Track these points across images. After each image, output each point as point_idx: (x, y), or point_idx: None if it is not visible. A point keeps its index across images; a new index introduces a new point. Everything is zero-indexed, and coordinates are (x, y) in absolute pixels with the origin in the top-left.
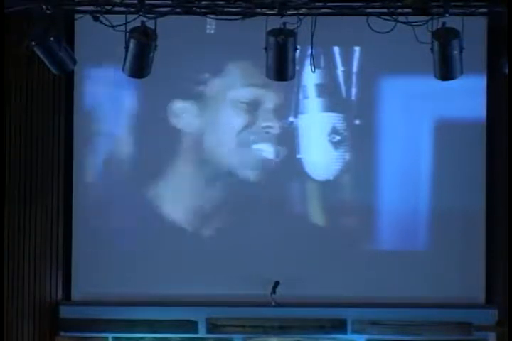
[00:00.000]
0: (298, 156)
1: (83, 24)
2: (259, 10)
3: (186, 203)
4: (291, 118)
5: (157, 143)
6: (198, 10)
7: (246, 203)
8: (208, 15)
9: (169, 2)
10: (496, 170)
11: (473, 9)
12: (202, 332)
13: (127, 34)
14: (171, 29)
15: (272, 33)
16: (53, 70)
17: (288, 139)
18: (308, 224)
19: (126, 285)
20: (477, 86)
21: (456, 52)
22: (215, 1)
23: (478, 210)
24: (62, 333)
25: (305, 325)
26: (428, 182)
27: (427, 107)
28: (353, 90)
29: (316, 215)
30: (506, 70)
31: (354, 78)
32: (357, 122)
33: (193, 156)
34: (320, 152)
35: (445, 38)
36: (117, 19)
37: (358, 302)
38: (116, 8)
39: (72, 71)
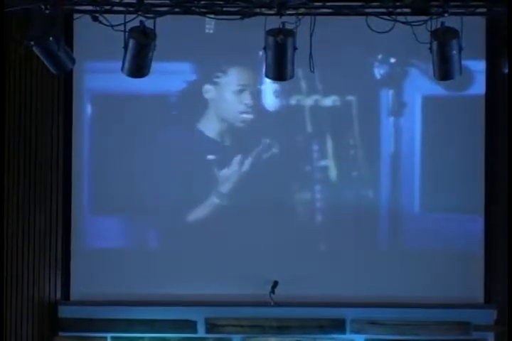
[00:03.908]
0: (297, 156)
1: (82, 24)
2: (258, 10)
3: (185, 203)
4: (290, 117)
5: (156, 141)
6: (197, 9)
7: (245, 203)
8: (207, 15)
9: (168, 2)
10: (495, 169)
11: (472, 9)
12: (201, 332)
13: (126, 34)
14: (170, 29)
15: (271, 32)
16: (52, 70)
17: (286, 139)
18: (307, 224)
19: (125, 285)
20: (476, 85)
21: (455, 52)
22: (214, 1)
23: (477, 209)
24: (61, 333)
25: (304, 325)
26: (427, 182)
27: (426, 108)
28: (352, 90)
29: (314, 215)
30: (506, 70)
31: (352, 78)
32: (356, 121)
33: (195, 156)
34: (319, 152)
35: (444, 38)
36: (116, 19)
37: (357, 302)
38: (115, 8)
39: (71, 71)
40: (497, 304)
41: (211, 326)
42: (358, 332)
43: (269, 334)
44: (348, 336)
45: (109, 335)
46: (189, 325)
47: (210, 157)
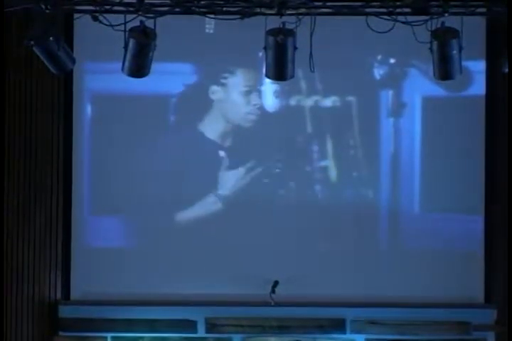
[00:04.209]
0: (298, 156)
1: (82, 24)
2: (258, 9)
3: (185, 203)
4: (290, 117)
5: (155, 141)
6: (197, 9)
7: (245, 203)
8: (207, 15)
9: (168, 2)
10: (495, 169)
11: (473, 9)
12: (201, 332)
13: (126, 33)
14: (170, 29)
15: (271, 32)
16: (52, 70)
17: (286, 139)
18: (307, 224)
19: (125, 285)
20: (476, 85)
21: (455, 52)
22: (214, 1)
23: (477, 209)
24: (61, 333)
25: (304, 325)
26: (427, 182)
27: (426, 109)
28: (352, 91)
29: (314, 215)
30: (506, 70)
31: (352, 79)
32: (356, 122)
33: (194, 156)
34: (319, 152)
35: (444, 38)
36: (116, 19)
37: (357, 301)
38: (116, 8)
39: (71, 71)
40: (497, 304)
41: (211, 326)
42: (358, 331)
43: (269, 334)
44: (348, 336)
45: (109, 335)
46: (189, 325)
47: (210, 157)
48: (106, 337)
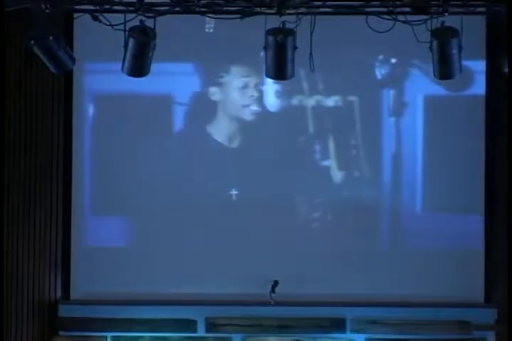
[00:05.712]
0: (298, 156)
1: (82, 24)
2: (258, 9)
3: (186, 203)
4: (292, 117)
5: (156, 141)
6: (197, 9)
7: (246, 203)
8: (207, 15)
9: (168, 1)
10: (495, 169)
11: (473, 8)
12: (201, 331)
13: (126, 33)
14: (169, 28)
15: (271, 32)
16: (52, 70)
17: (288, 139)
18: (308, 224)
19: (125, 285)
20: (476, 85)
21: (455, 51)
22: (214, 0)
23: (478, 209)
24: (61, 332)
25: (304, 324)
26: (428, 182)
27: (427, 109)
28: (353, 90)
29: (316, 215)
30: (506, 69)
31: (354, 78)
32: (358, 121)
33: (194, 155)
34: (320, 152)
35: (444, 37)
36: (116, 18)
37: (357, 301)
38: (115, 7)
39: (71, 71)
40: (497, 304)
41: (211, 325)
42: (358, 331)
43: (270, 334)
44: (348, 335)
45: (109, 335)
46: (189, 324)
47: (211, 157)
48: (106, 337)
